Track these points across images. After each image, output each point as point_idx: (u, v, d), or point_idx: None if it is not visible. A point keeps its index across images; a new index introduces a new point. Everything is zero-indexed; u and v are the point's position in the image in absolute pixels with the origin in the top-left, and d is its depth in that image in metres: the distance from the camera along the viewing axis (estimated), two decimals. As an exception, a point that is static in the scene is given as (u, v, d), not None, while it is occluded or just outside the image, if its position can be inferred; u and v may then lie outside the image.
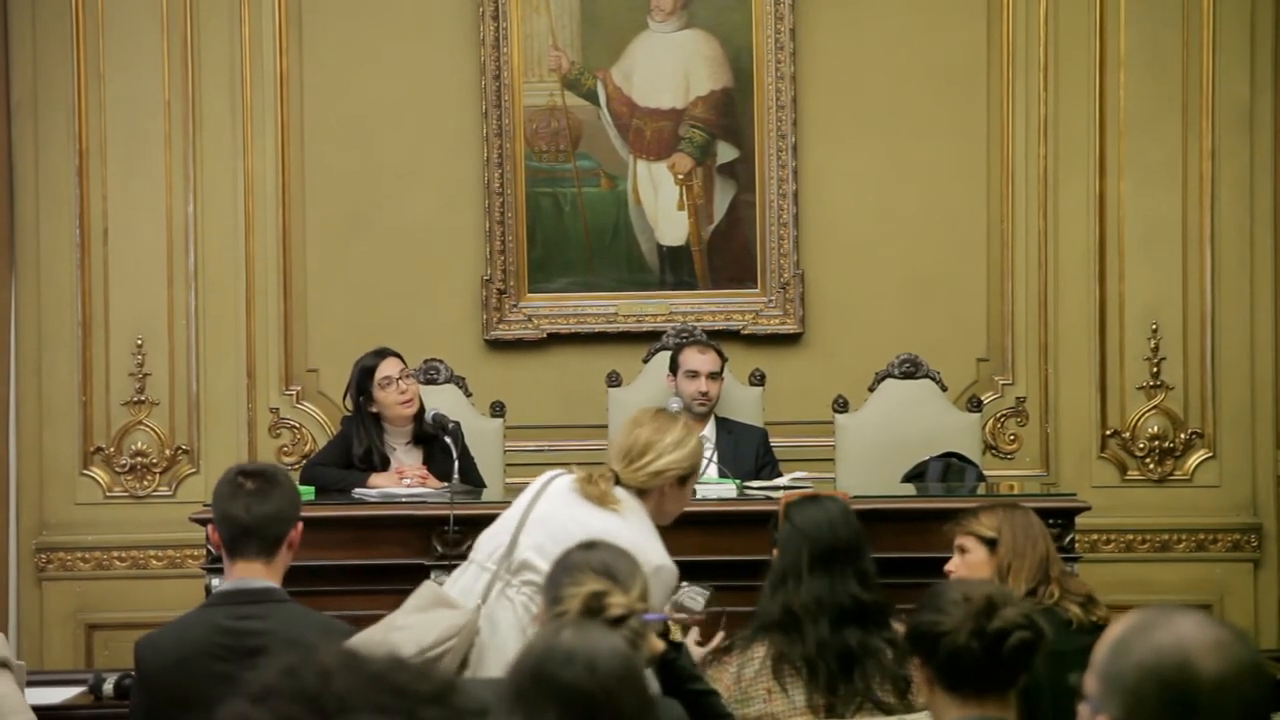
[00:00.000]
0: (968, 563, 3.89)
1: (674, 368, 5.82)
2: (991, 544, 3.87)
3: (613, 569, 2.86)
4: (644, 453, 3.74)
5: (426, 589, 3.70)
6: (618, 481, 3.74)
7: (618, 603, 2.77)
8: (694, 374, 5.75)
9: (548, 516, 3.68)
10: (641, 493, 3.75)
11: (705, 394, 5.74)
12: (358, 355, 5.52)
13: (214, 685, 3.18)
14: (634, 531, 3.60)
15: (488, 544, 3.78)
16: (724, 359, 5.87)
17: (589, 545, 2.97)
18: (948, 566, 3.93)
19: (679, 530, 3.89)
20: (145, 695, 3.36)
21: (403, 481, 5.29)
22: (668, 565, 3.63)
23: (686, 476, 3.80)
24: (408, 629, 3.48)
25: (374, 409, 5.43)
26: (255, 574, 3.32)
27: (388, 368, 5.41)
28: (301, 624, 3.29)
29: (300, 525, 3.38)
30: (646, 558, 3.55)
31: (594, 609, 2.76)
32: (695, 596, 3.83)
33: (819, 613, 3.59)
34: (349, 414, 5.59)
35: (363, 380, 5.42)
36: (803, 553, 3.64)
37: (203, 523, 4.84)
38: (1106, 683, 1.98)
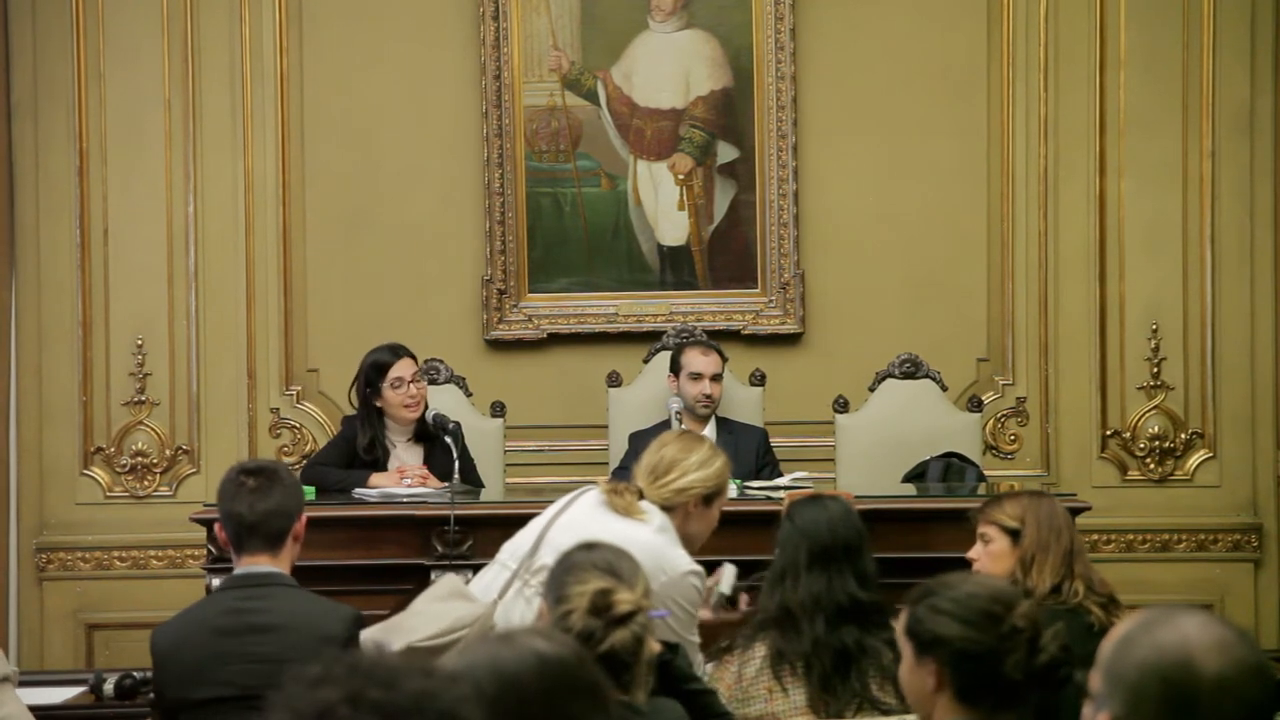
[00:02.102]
0: (990, 553, 3.83)
1: (675, 369, 5.81)
2: (1014, 534, 3.80)
3: (616, 567, 2.86)
4: (669, 469, 3.79)
5: (447, 581, 3.76)
6: (642, 498, 3.78)
7: (625, 600, 2.77)
8: (698, 376, 5.74)
9: (574, 524, 3.71)
10: (667, 510, 3.77)
11: (709, 396, 5.73)
12: (358, 355, 5.49)
13: (218, 661, 3.27)
14: (659, 539, 3.66)
15: (511, 545, 3.85)
16: (725, 360, 5.87)
17: (590, 545, 2.97)
18: (970, 554, 3.87)
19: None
20: (159, 680, 3.40)
21: (403, 481, 5.29)
22: (696, 569, 3.70)
23: (711, 496, 3.83)
24: (422, 615, 3.54)
25: (378, 403, 5.42)
26: (262, 564, 3.37)
27: (402, 368, 5.38)
28: (305, 605, 3.33)
29: (304, 517, 3.44)
30: (675, 564, 3.64)
31: (600, 606, 2.76)
32: (729, 577, 3.98)
33: (815, 611, 3.60)
34: (349, 414, 5.58)
35: (373, 376, 5.40)
36: (800, 551, 3.66)
37: (204, 523, 4.85)
38: (1110, 680, 1.99)
